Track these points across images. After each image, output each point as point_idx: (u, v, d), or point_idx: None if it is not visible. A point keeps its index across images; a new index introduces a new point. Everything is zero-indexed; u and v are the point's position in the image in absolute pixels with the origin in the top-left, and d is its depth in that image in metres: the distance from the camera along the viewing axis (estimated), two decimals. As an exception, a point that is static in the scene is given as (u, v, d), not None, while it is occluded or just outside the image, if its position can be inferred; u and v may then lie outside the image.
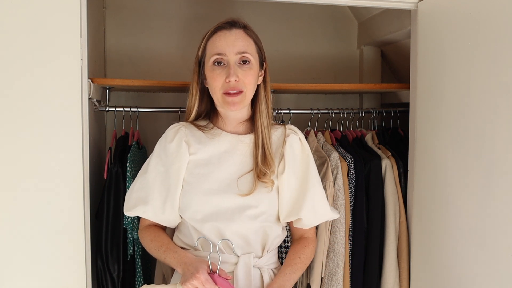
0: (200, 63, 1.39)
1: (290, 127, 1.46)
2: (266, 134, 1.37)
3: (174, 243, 1.37)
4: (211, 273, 1.20)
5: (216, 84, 1.32)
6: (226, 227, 1.31)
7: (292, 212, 1.38)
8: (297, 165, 1.41)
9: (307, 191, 1.39)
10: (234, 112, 1.38)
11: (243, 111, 1.40)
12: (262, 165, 1.34)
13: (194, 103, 1.42)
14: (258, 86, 1.39)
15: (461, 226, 1.41)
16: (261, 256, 1.36)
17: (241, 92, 1.32)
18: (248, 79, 1.33)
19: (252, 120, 1.42)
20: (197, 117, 1.45)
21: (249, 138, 1.40)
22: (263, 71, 1.41)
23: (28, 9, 1.36)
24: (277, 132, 1.44)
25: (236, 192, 1.33)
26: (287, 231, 1.56)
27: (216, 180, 1.34)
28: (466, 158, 1.39)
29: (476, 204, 1.35)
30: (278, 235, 1.40)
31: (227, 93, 1.32)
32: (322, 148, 1.81)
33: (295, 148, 1.41)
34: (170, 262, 1.30)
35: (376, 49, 2.33)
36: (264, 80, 1.42)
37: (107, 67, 2.13)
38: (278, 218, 1.39)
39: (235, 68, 1.31)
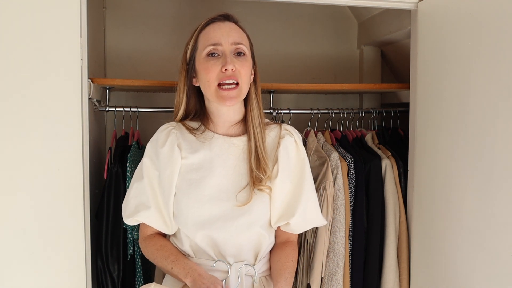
0: (189, 60, 1.35)
1: (286, 127, 1.42)
2: (258, 136, 1.33)
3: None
4: None
5: (210, 75, 1.27)
6: (219, 236, 1.28)
7: (283, 217, 1.34)
8: (291, 169, 1.36)
9: (301, 197, 1.35)
10: (227, 110, 1.34)
11: (236, 111, 1.36)
12: (257, 170, 1.30)
13: (181, 101, 1.38)
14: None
15: (461, 226, 1.41)
16: (254, 264, 1.33)
17: (237, 85, 1.28)
18: (244, 70, 1.29)
19: (244, 121, 1.38)
20: (186, 117, 1.41)
21: (241, 141, 1.36)
22: (253, 71, 1.37)
23: (28, 9, 1.36)
24: (272, 133, 1.39)
25: (234, 204, 1.29)
26: None
27: (208, 186, 1.30)
28: (466, 158, 1.38)
29: (476, 204, 1.35)
30: (271, 242, 1.38)
31: (222, 88, 1.27)
32: (322, 148, 1.81)
33: (290, 151, 1.37)
34: (178, 273, 1.26)
35: (376, 49, 2.33)
36: (255, 81, 1.38)
37: (107, 67, 2.13)
38: (271, 224, 1.35)
39: (231, 57, 1.28)
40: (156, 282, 1.61)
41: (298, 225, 1.37)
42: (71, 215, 1.42)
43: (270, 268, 1.38)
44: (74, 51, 1.40)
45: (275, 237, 1.41)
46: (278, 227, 1.39)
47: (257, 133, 1.33)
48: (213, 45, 1.28)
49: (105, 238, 1.63)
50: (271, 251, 1.40)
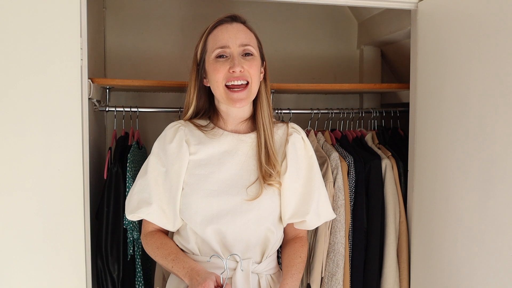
0: (199, 61, 1.37)
1: (293, 125, 1.44)
2: (268, 133, 1.35)
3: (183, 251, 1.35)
4: (218, 286, 1.19)
5: (218, 76, 1.29)
6: (227, 230, 1.28)
7: (297, 214, 1.36)
8: (300, 165, 1.38)
9: (313, 193, 1.38)
10: (237, 110, 1.35)
11: (245, 110, 1.38)
12: (267, 165, 1.32)
13: (192, 101, 1.39)
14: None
15: (461, 226, 1.41)
16: (260, 262, 1.34)
17: (246, 85, 1.29)
18: (253, 70, 1.30)
19: (253, 118, 1.40)
20: (195, 115, 1.42)
21: (250, 137, 1.37)
22: (263, 69, 1.39)
23: (28, 9, 1.36)
24: (279, 131, 1.42)
25: (243, 198, 1.30)
26: None
27: (216, 181, 1.31)
28: (466, 158, 1.39)
29: (476, 204, 1.35)
30: (278, 239, 1.39)
31: (231, 90, 1.29)
32: (322, 148, 1.81)
33: (298, 148, 1.39)
34: (178, 272, 1.26)
35: (376, 49, 2.33)
36: (265, 78, 1.39)
37: (107, 67, 2.13)
38: (280, 220, 1.36)
39: (239, 59, 1.29)
40: (156, 284, 1.62)
41: (312, 221, 1.39)
42: (71, 215, 1.42)
43: (276, 267, 1.40)
44: (74, 51, 1.40)
45: (285, 234, 1.43)
46: (289, 225, 1.40)
47: (267, 129, 1.35)
48: (221, 47, 1.30)
49: (105, 238, 1.63)
50: (281, 248, 1.42)
